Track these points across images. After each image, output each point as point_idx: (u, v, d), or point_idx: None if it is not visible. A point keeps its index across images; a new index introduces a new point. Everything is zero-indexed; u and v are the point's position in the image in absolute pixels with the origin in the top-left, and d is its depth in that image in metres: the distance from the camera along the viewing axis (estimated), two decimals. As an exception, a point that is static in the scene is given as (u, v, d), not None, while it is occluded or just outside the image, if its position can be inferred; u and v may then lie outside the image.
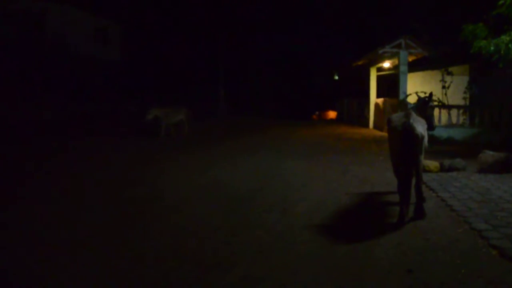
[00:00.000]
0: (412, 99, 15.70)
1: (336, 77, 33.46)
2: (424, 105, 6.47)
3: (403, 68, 16.17)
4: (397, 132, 5.54)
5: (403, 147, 5.44)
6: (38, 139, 14.09)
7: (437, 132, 14.02)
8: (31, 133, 15.21)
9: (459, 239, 4.85)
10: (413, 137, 5.39)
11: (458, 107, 15.18)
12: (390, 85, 19.38)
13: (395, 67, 18.02)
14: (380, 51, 16.70)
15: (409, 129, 5.39)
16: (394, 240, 4.83)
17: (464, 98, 16.52)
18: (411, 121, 5.45)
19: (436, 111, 14.82)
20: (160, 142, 13.92)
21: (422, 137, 5.54)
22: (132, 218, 5.79)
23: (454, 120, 14.84)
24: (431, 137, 13.60)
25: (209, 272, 4.06)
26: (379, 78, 21.19)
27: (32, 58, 20.16)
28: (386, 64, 19.36)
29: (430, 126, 6.38)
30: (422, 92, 15.90)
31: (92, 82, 23.09)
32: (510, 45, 10.34)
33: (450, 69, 16.60)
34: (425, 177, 8.04)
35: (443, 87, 16.42)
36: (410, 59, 17.33)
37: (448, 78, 16.48)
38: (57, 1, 22.53)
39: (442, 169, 8.70)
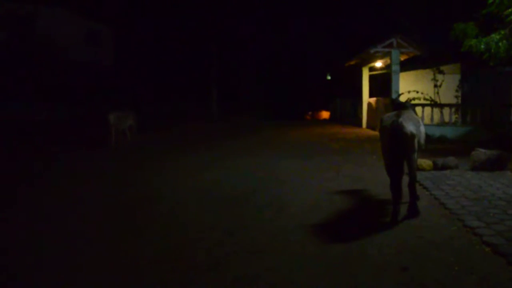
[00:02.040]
0: (404, 98, 15.80)
1: (329, 77, 33.55)
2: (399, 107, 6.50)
3: (395, 67, 16.23)
4: (387, 131, 5.57)
5: (393, 146, 5.47)
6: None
7: (430, 131, 14.09)
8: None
9: (452, 236, 4.88)
10: (402, 136, 5.41)
11: (450, 105, 15.25)
12: (383, 85, 19.45)
13: (387, 67, 18.09)
14: (372, 51, 16.76)
15: (398, 128, 5.42)
16: (388, 238, 4.85)
17: (456, 97, 16.62)
18: (400, 120, 5.47)
19: (428, 110, 14.91)
20: (146, 147, 13.82)
21: (413, 136, 5.52)
22: (126, 220, 5.77)
23: (446, 118, 14.91)
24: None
25: (203, 273, 4.05)
26: (371, 78, 21.25)
27: (22, 61, 20.00)
28: (378, 64, 19.43)
29: None
30: (414, 91, 16.07)
31: (82, 86, 22.94)
32: (500, 43, 10.41)
33: (441, 68, 16.70)
34: (419, 175, 8.06)
35: (435, 85, 16.52)
36: (402, 58, 17.40)
37: (439, 77, 16.58)
38: (47, 3, 22.37)
39: (435, 167, 8.74)
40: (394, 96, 15.87)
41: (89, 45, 25.89)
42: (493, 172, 8.24)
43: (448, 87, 16.60)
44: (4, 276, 4.09)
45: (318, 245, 4.74)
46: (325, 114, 28.86)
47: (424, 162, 8.82)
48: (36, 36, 21.32)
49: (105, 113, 13.20)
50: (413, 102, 15.19)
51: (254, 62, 32.61)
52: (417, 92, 15.67)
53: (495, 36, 10.50)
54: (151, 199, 6.89)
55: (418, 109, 15.01)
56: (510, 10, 9.29)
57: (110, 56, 28.08)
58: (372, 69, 20.91)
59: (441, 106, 15.16)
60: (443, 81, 16.57)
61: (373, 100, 19.10)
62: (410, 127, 5.50)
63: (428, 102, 15.33)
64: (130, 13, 27.96)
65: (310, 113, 30.01)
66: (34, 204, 6.66)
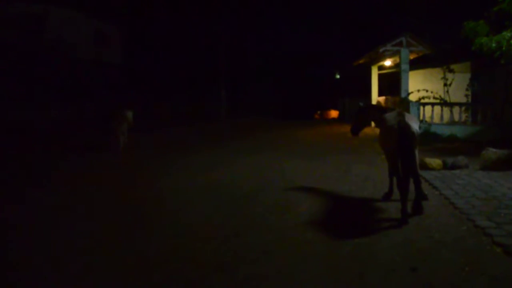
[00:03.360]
0: (413, 97, 15.70)
1: (338, 76, 33.42)
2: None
3: (405, 66, 16.11)
4: (394, 131, 5.57)
5: (403, 145, 5.47)
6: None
7: (440, 130, 13.99)
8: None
9: (463, 236, 4.83)
10: (410, 135, 5.50)
11: (460, 104, 15.12)
12: (392, 83, 19.34)
13: (397, 65, 17.98)
14: (381, 50, 16.66)
15: (406, 128, 5.50)
16: (398, 238, 4.81)
17: (466, 96, 16.48)
18: (406, 119, 5.60)
19: (438, 109, 14.80)
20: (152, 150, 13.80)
21: (418, 134, 5.72)
22: (134, 219, 5.78)
23: (456, 117, 14.77)
24: (433, 135, 13.63)
25: (212, 272, 4.04)
26: (380, 77, 21.15)
27: (32, 61, 20.17)
28: (388, 63, 19.33)
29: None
30: (424, 89, 15.96)
31: (92, 85, 23.09)
32: (511, 41, 10.30)
33: (451, 66, 16.56)
34: (428, 175, 8.03)
35: (445, 84, 16.38)
36: (412, 57, 17.28)
37: (449, 76, 16.44)
38: (57, 3, 22.55)
39: (445, 166, 8.67)
40: (403, 94, 15.78)
41: (97, 44, 26.06)
42: (504, 172, 8.16)
43: (458, 86, 16.46)
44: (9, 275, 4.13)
45: (326, 244, 4.72)
46: (334, 113, 28.75)
47: (434, 161, 8.75)
48: (47, 35, 21.50)
49: (121, 110, 12.17)
50: (422, 101, 15.13)
51: (263, 62, 32.60)
52: (427, 91, 15.57)
53: (506, 34, 10.39)
54: (158, 198, 6.91)
55: (428, 108, 14.92)
56: (521, 7, 9.19)
57: (118, 56, 28.24)
58: (381, 68, 20.82)
59: (451, 105, 15.03)
60: (453, 79, 16.42)
61: (382, 99, 19.00)
62: (415, 126, 5.66)
63: (437, 101, 15.21)
64: (137, 13, 28.09)
65: (319, 112, 29.91)
66: (39, 204, 6.70)
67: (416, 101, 14.92)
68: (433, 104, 14.81)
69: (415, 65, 18.13)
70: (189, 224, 5.54)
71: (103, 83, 24.11)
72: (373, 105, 7.23)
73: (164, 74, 28.86)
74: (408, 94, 15.77)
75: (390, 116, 5.98)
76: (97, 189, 7.63)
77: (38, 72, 20.05)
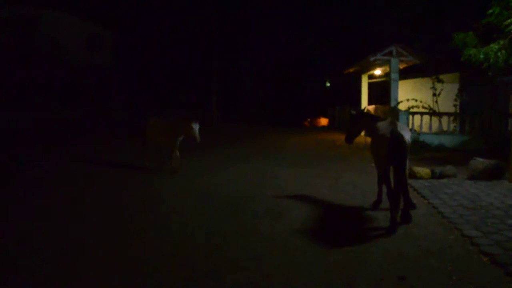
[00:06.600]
0: (403, 106, 15.85)
1: (328, 84, 33.62)
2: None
3: (394, 75, 16.29)
4: (386, 140, 5.60)
5: (395, 155, 5.51)
6: None
7: (428, 139, 14.13)
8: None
9: (450, 245, 4.88)
10: (403, 145, 5.54)
11: (448, 114, 15.30)
12: (382, 92, 19.53)
13: (386, 75, 18.15)
14: (372, 59, 16.82)
15: (399, 138, 5.54)
16: (386, 247, 4.85)
17: (455, 105, 16.67)
18: (399, 129, 5.64)
19: (427, 118, 14.96)
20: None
21: (409, 144, 5.76)
22: (124, 224, 5.75)
23: (444, 127, 14.94)
24: (422, 144, 13.76)
25: (201, 279, 4.04)
26: (370, 85, 21.33)
27: (24, 63, 20.06)
28: (378, 72, 19.51)
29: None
30: (413, 99, 16.11)
31: (83, 88, 23.01)
32: (499, 54, 10.45)
33: (440, 76, 16.74)
34: (417, 184, 8.10)
35: (434, 94, 16.56)
36: (401, 66, 17.47)
37: (438, 86, 16.62)
38: (49, 7, 22.48)
39: (433, 176, 8.76)
40: (393, 103, 15.92)
41: (90, 47, 26.00)
42: (491, 182, 8.27)
43: (447, 96, 16.64)
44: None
45: (316, 252, 4.74)
46: (323, 121, 28.85)
47: (422, 170, 8.83)
48: (39, 38, 21.42)
49: (187, 119, 9.91)
50: (412, 110, 15.28)
51: (253, 69, 32.71)
52: (416, 100, 15.73)
53: (494, 46, 10.55)
54: (148, 205, 6.86)
55: (417, 117, 15.07)
56: (509, 21, 9.34)
57: (111, 59, 28.19)
58: (371, 76, 21.00)
59: (439, 114, 15.20)
60: (442, 89, 16.61)
61: (372, 107, 19.13)
62: (407, 136, 5.71)
63: (426, 110, 15.39)
64: (130, 16, 28.07)
65: (308, 120, 29.99)
66: (32, 206, 6.63)
67: (405, 110, 15.07)
68: (422, 114, 14.97)
69: (405, 74, 18.33)
70: (179, 230, 5.52)
71: (95, 85, 24.05)
72: (366, 113, 7.26)
73: (156, 78, 28.81)
74: (398, 103, 15.92)
75: (382, 125, 6.03)
76: (87, 192, 7.57)
77: (31, 74, 19.97)
